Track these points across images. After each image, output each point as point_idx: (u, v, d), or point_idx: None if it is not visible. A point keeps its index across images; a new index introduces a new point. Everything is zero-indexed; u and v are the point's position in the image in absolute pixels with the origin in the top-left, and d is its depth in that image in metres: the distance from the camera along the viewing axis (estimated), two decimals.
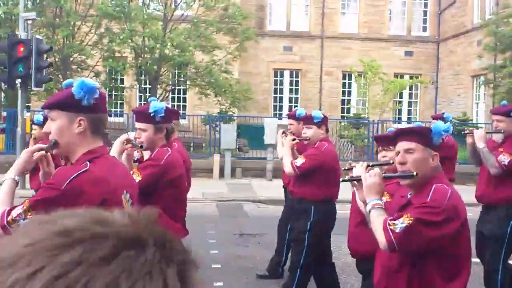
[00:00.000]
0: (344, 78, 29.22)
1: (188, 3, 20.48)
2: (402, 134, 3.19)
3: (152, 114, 3.91)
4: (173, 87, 21.73)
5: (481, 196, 5.90)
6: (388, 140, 4.10)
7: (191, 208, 5.12)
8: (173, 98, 24.73)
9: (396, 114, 27.52)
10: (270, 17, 29.24)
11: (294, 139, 5.95)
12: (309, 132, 5.84)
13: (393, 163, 4.05)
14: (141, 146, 3.92)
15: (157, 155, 3.95)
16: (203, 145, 20.73)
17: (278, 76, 29.34)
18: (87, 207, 1.55)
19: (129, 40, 18.72)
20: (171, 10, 19.96)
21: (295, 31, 29.09)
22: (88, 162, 2.46)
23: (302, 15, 29.58)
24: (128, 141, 3.81)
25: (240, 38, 21.48)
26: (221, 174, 17.20)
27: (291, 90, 29.39)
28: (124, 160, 3.88)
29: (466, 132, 6.17)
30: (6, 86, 15.15)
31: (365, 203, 3.18)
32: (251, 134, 20.77)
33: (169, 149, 4.03)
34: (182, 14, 20.48)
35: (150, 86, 21.31)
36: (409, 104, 28.26)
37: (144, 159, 4.13)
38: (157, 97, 20.39)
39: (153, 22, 19.42)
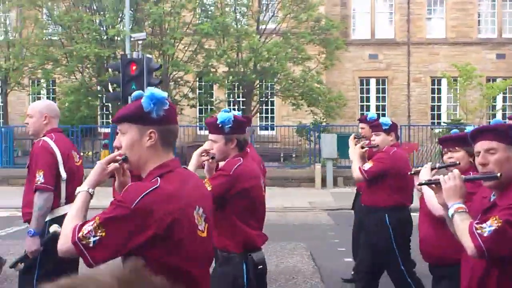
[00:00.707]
0: (433, 84, 28.93)
1: (279, 17, 21.00)
2: (481, 133, 3.02)
3: (220, 125, 3.92)
4: (266, 99, 22.19)
5: None
6: (453, 141, 4.26)
7: (302, 216, 5.24)
8: (261, 110, 25.27)
9: (490, 119, 27.04)
10: (354, 26, 29.38)
11: (363, 147, 6.00)
12: (378, 139, 5.88)
13: (459, 163, 4.13)
14: (213, 157, 3.99)
15: (227, 166, 3.96)
16: (294, 155, 21.09)
17: (364, 84, 29.38)
18: (157, 226, 1.90)
19: (226, 55, 19.37)
20: (264, 22, 20.52)
21: (379, 39, 29.06)
22: (158, 178, 2.40)
23: (387, 22, 29.54)
24: (205, 152, 3.96)
25: (330, 48, 21.77)
26: (323, 184, 17.48)
27: (377, 98, 29.33)
28: (206, 172, 4.08)
29: None
30: (119, 103, 15.94)
31: (445, 207, 3.02)
32: (340, 143, 21.00)
33: (241, 159, 4.00)
34: (275, 28, 20.99)
35: (244, 99, 21.91)
36: (504, 108, 27.66)
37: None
38: (251, 109, 21.02)
39: (249, 36, 20.01)
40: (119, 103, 16.12)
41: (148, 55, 16.07)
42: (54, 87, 23.75)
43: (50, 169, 4.49)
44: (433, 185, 3.13)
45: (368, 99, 29.37)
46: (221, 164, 4.09)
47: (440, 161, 4.11)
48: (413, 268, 5.99)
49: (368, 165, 5.75)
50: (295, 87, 20.56)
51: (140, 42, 15.79)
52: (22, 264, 4.38)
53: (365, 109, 29.20)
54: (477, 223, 2.80)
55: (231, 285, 3.87)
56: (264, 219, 4.19)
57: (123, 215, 2.27)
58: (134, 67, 15.19)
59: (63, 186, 4.60)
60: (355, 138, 6.39)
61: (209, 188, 3.62)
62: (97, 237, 2.25)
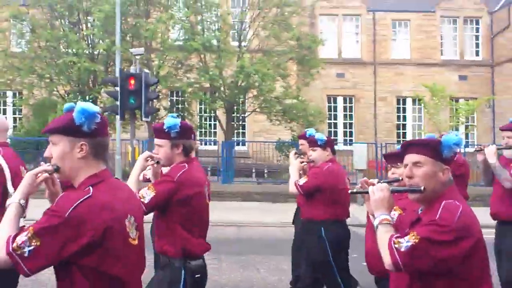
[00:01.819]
0: (398, 103, 30.34)
1: (259, 35, 21.87)
2: (410, 146, 3.09)
3: (166, 130, 4.03)
4: (246, 115, 22.83)
5: (496, 213, 6.00)
6: (396, 157, 4.34)
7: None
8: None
9: None
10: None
11: (302, 162, 6.28)
12: (314, 154, 6.12)
13: (402, 179, 4.25)
14: (158, 162, 4.09)
15: (172, 171, 4.01)
16: (266, 171, 21.77)
17: (332, 102, 30.45)
18: (91, 234, 2.08)
19: (211, 72, 20.04)
20: (250, 42, 21.33)
21: (347, 58, 30.26)
22: (90, 187, 2.48)
23: (353, 42, 30.82)
24: (150, 157, 4.06)
25: (308, 65, 22.75)
26: None
27: (345, 116, 30.44)
28: (151, 177, 4.22)
29: (476, 149, 6.18)
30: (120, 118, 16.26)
31: (373, 218, 3.10)
32: None
33: (186, 165, 4.03)
34: (258, 45, 21.81)
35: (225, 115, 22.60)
36: (466, 128, 29.29)
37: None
38: (233, 125, 21.68)
39: (231, 54, 20.78)
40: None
41: (146, 70, 16.48)
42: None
43: None
44: (364, 195, 3.18)
45: (335, 117, 30.42)
46: (166, 169, 4.21)
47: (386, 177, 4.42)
48: (352, 283, 6.26)
49: (302, 180, 6.01)
50: (275, 103, 21.31)
51: (137, 57, 16.21)
52: None
53: (332, 127, 30.32)
54: (396, 237, 2.85)
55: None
56: (207, 227, 4.21)
57: (56, 224, 2.32)
58: (132, 82, 15.60)
59: None
60: (295, 154, 6.52)
61: (153, 193, 3.83)
62: (32, 247, 2.31)
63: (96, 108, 2.57)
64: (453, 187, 3.03)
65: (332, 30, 30.48)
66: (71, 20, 21.02)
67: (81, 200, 2.38)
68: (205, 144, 23.93)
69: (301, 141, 7.28)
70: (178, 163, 4.06)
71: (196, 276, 3.95)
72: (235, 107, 22.10)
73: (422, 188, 2.93)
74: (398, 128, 30.36)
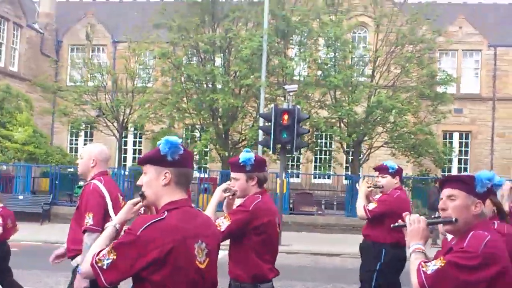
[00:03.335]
0: None
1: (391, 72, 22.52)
2: (447, 182, 3.32)
3: (242, 164, 4.37)
4: (371, 150, 23.34)
5: None
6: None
7: None
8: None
9: None
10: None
11: (369, 187, 6.67)
12: (383, 180, 6.55)
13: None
14: (234, 194, 4.39)
15: (247, 202, 4.32)
16: None
17: (447, 138, 30.44)
18: (158, 251, 2.54)
19: (349, 108, 20.81)
20: (383, 78, 22.04)
21: (465, 93, 30.24)
22: (166, 212, 2.80)
23: (472, 77, 30.82)
24: (228, 189, 4.36)
25: (439, 101, 23.10)
26: None
27: (460, 152, 30.35)
28: (224, 208, 4.48)
29: None
30: (270, 151, 17.17)
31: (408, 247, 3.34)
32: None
33: (260, 196, 4.35)
34: (390, 81, 22.41)
35: (353, 150, 23.21)
36: None
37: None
38: (359, 158, 22.24)
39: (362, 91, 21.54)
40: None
41: (298, 106, 17.35)
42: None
43: (99, 211, 4.83)
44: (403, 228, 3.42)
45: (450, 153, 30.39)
46: (239, 200, 4.47)
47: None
48: None
49: (372, 205, 6.44)
50: (408, 138, 21.76)
51: (291, 93, 17.11)
52: None
53: (448, 162, 30.30)
54: (425, 262, 3.10)
55: None
56: (277, 253, 4.54)
57: (130, 241, 2.67)
58: (286, 117, 16.44)
59: None
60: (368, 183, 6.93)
61: (228, 223, 4.15)
62: (110, 260, 2.67)
63: (179, 140, 2.90)
64: (485, 220, 3.24)
65: (451, 65, 30.59)
66: (215, 57, 22.32)
67: (153, 221, 2.71)
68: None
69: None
70: (252, 194, 4.38)
71: None
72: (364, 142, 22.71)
73: (454, 219, 3.15)
74: None
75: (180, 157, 2.90)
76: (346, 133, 21.28)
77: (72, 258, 5.00)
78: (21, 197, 21.17)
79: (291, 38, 22.88)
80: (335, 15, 22.20)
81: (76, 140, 30.99)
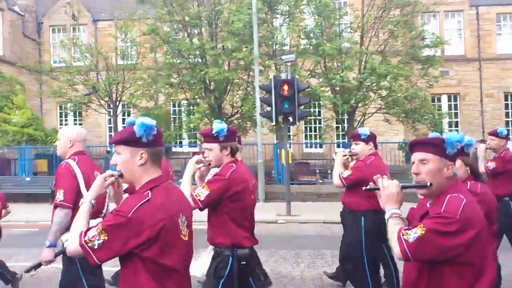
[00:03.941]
0: (506, 99, 30.47)
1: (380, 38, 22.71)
2: (417, 145, 3.37)
3: (215, 135, 4.60)
4: (367, 116, 23.56)
5: None
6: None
7: None
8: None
9: None
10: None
11: (345, 155, 6.82)
12: (357, 148, 6.72)
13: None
14: (209, 164, 4.65)
15: (223, 171, 4.56)
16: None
17: (436, 101, 30.77)
18: (150, 231, 2.78)
19: (343, 74, 20.98)
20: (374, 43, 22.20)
21: (450, 55, 30.49)
22: (149, 191, 2.95)
23: (456, 38, 31.06)
24: (200, 161, 4.61)
25: (428, 64, 23.36)
26: None
27: (450, 115, 30.71)
28: (197, 179, 4.76)
29: None
30: (273, 122, 17.33)
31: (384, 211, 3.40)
32: None
33: (233, 165, 4.60)
34: (384, 48, 22.65)
35: (347, 117, 23.43)
36: None
37: (212, 175, 4.74)
38: (354, 125, 22.51)
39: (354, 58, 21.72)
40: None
41: (297, 76, 17.49)
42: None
43: (70, 188, 5.04)
44: (377, 191, 3.48)
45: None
46: (214, 170, 4.76)
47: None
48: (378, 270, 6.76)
49: (347, 173, 6.58)
50: (405, 104, 22.02)
51: (288, 64, 17.22)
52: (36, 270, 4.86)
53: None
54: (405, 229, 3.16)
55: (213, 273, 4.55)
56: (253, 220, 4.78)
57: (121, 223, 2.81)
58: (286, 88, 16.59)
59: None
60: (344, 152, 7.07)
61: (207, 192, 4.39)
62: (101, 241, 2.81)
63: (153, 122, 3.05)
64: (458, 181, 3.35)
65: (434, 27, 30.82)
66: (203, 31, 22.31)
67: (141, 202, 2.87)
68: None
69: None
70: (226, 163, 4.63)
71: (242, 263, 4.51)
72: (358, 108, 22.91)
73: (428, 183, 3.24)
74: (507, 125, 30.49)
75: (154, 137, 3.04)
76: (341, 101, 21.45)
77: None
78: (28, 179, 21.46)
79: (276, 7, 22.90)
80: None
81: (66, 120, 30.91)
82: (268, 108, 17.44)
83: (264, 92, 18.59)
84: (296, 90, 16.65)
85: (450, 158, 3.29)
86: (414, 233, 3.08)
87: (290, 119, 16.94)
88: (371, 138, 6.72)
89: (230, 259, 4.47)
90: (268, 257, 10.26)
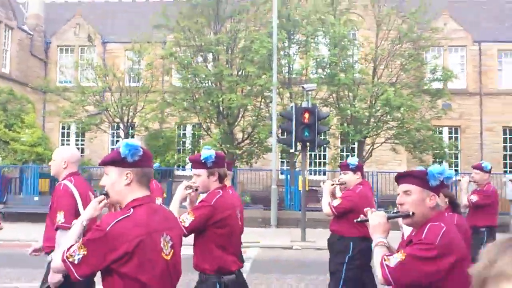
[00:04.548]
0: (504, 133, 31.09)
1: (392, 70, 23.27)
2: (402, 178, 3.57)
3: (203, 161, 4.62)
4: (375, 145, 23.99)
5: None
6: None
7: None
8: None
9: None
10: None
11: (332, 184, 7.08)
12: (345, 177, 6.99)
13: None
14: (196, 189, 4.68)
15: (209, 197, 4.59)
16: None
17: (437, 133, 31.29)
18: (127, 246, 2.81)
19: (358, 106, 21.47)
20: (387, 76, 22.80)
21: (452, 89, 31.10)
22: (132, 209, 3.00)
23: (459, 72, 31.73)
24: (189, 187, 4.64)
25: (437, 97, 23.96)
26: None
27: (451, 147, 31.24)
28: (187, 204, 4.76)
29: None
30: (293, 149, 17.68)
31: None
32: None
33: (220, 191, 4.62)
34: (395, 80, 23.18)
35: (353, 146, 23.90)
36: None
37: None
38: (363, 154, 22.91)
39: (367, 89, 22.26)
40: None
41: (317, 104, 17.91)
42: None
43: (70, 209, 5.16)
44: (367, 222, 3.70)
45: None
46: (202, 196, 4.77)
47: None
48: None
49: (336, 202, 6.80)
50: (415, 135, 22.52)
51: (310, 92, 17.62)
52: None
53: (438, 157, 31.23)
54: (387, 255, 3.35)
55: None
56: (240, 245, 4.89)
57: (98, 237, 2.86)
58: (307, 115, 16.94)
59: None
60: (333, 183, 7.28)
61: (192, 218, 4.41)
62: (80, 255, 2.86)
63: (138, 143, 3.13)
64: (440, 211, 3.53)
65: (438, 61, 31.44)
66: (224, 58, 22.71)
67: (120, 218, 2.93)
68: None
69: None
70: (213, 189, 4.64)
71: None
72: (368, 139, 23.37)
73: (411, 213, 3.42)
74: (505, 159, 31.09)
75: (140, 157, 3.11)
76: (354, 131, 21.89)
77: (48, 254, 5.35)
78: (36, 198, 21.51)
79: (293, 37, 23.43)
80: (333, 15, 22.83)
81: (68, 140, 30.97)
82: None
83: (281, 119, 19.00)
84: (317, 118, 17.04)
85: (433, 189, 3.46)
86: (395, 259, 3.27)
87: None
88: (359, 168, 6.96)
89: (217, 286, 4.47)
90: (298, 282, 10.62)
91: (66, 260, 2.88)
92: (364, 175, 7.08)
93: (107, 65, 26.30)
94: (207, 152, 4.65)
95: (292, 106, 17.47)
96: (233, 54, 22.75)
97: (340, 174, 7.21)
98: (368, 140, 23.65)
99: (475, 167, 8.59)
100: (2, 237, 13.25)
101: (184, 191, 4.62)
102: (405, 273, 3.21)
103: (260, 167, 24.31)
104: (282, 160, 28.10)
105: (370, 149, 23.67)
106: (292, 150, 18.20)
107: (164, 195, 7.98)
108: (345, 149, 25.02)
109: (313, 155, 29.34)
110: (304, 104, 17.45)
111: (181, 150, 27.31)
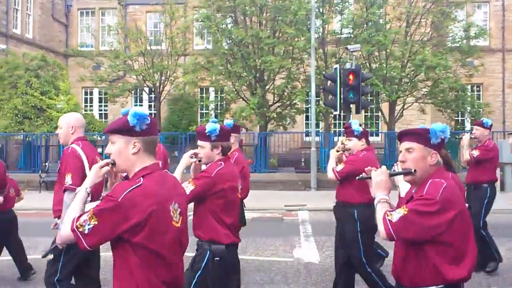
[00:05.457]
0: None
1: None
2: (404, 135, 3.63)
3: (207, 134, 4.75)
4: (408, 106, 24.10)
5: None
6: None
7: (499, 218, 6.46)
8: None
9: None
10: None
11: (338, 151, 7.07)
12: (350, 143, 6.90)
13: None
14: (200, 160, 4.83)
15: (210, 168, 4.71)
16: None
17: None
18: (139, 215, 2.85)
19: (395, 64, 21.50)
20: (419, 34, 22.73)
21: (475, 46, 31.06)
22: (141, 178, 2.98)
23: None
24: (194, 155, 4.80)
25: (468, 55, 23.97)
26: (502, 187, 19.43)
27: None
28: (191, 172, 4.91)
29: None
30: (338, 111, 17.79)
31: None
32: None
33: (222, 163, 4.74)
34: (423, 38, 23.11)
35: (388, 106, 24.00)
36: None
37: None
38: (395, 115, 23.02)
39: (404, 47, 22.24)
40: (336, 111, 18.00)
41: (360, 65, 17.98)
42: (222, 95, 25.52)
43: (77, 171, 5.36)
44: (368, 180, 3.79)
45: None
46: (204, 166, 4.89)
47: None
48: (377, 262, 7.06)
49: (340, 167, 6.78)
50: (448, 94, 22.61)
51: (354, 53, 17.66)
52: (52, 254, 5.21)
53: (459, 115, 31.35)
54: (389, 211, 3.42)
55: (192, 264, 4.76)
56: (237, 216, 4.91)
57: (111, 207, 2.85)
58: (351, 77, 17.03)
59: None
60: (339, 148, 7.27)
61: (192, 187, 4.52)
62: (91, 225, 2.84)
63: (146, 111, 3.10)
64: (441, 168, 3.61)
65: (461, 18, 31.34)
66: (259, 20, 22.59)
67: (132, 188, 2.91)
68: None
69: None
70: (216, 161, 4.77)
71: (216, 258, 4.63)
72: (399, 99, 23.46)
73: (413, 170, 3.52)
74: None
75: (147, 126, 3.09)
76: (389, 91, 21.98)
77: (58, 217, 5.50)
78: None
79: None
80: None
81: (91, 105, 31.07)
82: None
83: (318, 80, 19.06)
84: (361, 79, 17.13)
85: (434, 147, 3.55)
86: (398, 214, 3.35)
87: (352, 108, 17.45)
88: (363, 135, 6.91)
89: (208, 252, 4.63)
90: None
91: (76, 230, 2.87)
92: (369, 142, 7.00)
93: (129, 28, 26.10)
94: (212, 125, 4.76)
95: (336, 68, 17.54)
96: (266, 14, 22.60)
97: (345, 140, 7.10)
98: (398, 101, 23.76)
99: (476, 124, 8.79)
100: (45, 206, 13.25)
101: (189, 159, 4.80)
102: (408, 227, 3.31)
103: (289, 130, 24.40)
104: (307, 122, 28.15)
105: (401, 109, 23.78)
106: (336, 112, 18.29)
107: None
108: (374, 110, 25.04)
109: (341, 117, 29.43)
110: (348, 65, 17.54)
111: (204, 114, 27.43)
